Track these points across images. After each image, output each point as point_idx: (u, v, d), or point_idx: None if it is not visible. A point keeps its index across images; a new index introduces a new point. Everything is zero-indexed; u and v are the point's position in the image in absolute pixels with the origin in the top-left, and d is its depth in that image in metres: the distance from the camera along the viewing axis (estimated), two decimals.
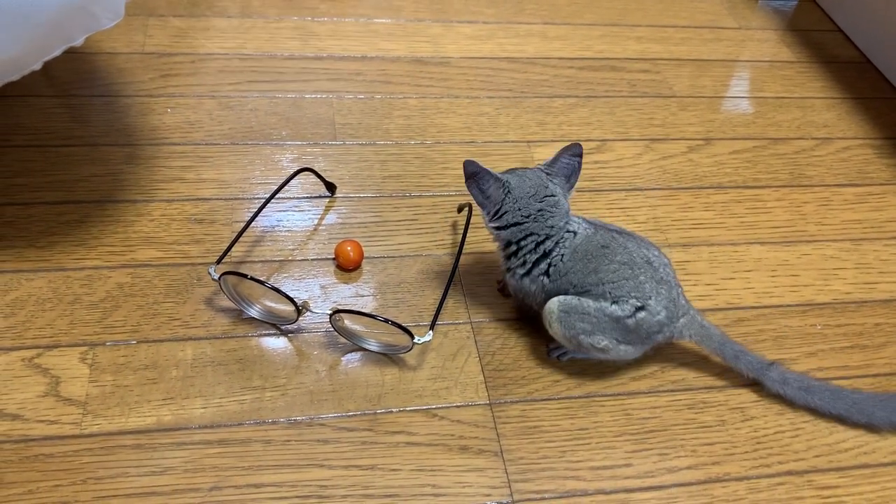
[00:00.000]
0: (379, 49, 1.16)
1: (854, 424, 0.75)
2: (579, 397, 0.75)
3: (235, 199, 0.90)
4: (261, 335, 0.77)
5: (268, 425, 0.70)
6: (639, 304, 0.70)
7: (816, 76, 1.24)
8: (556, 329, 0.72)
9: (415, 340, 0.72)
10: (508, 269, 0.76)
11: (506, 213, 0.73)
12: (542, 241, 0.73)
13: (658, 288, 0.71)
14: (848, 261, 0.93)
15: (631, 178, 1.00)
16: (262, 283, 0.73)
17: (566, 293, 0.72)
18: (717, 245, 0.92)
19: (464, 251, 0.84)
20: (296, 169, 0.88)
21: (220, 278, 0.74)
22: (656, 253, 0.74)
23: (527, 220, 0.73)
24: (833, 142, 1.11)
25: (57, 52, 0.76)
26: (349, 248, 0.83)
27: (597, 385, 0.76)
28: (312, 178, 0.91)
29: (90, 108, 0.99)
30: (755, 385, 0.77)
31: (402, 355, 0.76)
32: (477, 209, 0.77)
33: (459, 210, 0.91)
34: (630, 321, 0.71)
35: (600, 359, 0.75)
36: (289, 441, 0.69)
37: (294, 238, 0.87)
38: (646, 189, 0.99)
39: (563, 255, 0.73)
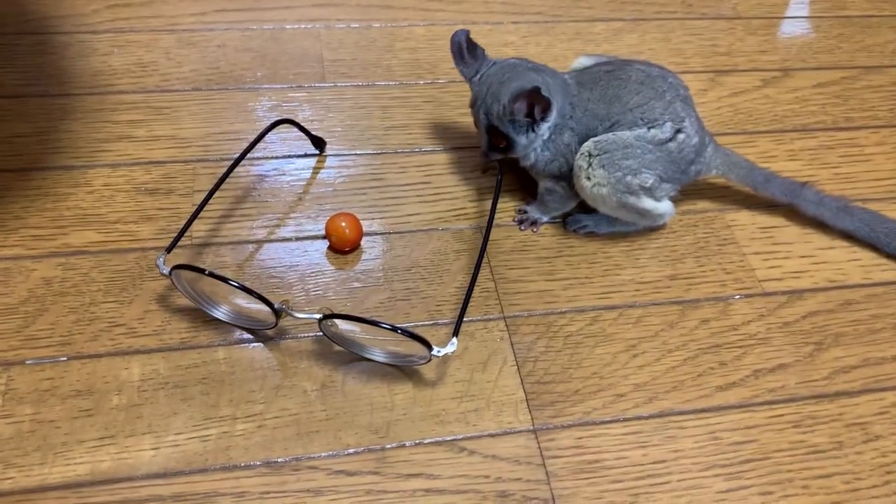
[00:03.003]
0: None
1: (889, 254, 0.68)
2: (652, 417, 0.57)
3: (198, 160, 0.71)
4: (230, 343, 0.58)
5: (240, 471, 0.52)
6: (676, 125, 0.64)
7: None
8: (598, 175, 0.63)
9: (433, 352, 0.54)
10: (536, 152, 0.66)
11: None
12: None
13: (687, 109, 0.65)
14: None
15: None
16: (225, 280, 0.54)
17: (595, 134, 0.64)
18: None
19: (494, 223, 0.65)
20: (272, 121, 0.68)
21: (171, 273, 0.56)
22: (672, 75, 0.67)
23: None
24: None
25: None
26: (344, 224, 0.64)
27: (673, 398, 0.58)
28: (295, 131, 0.72)
29: (14, 49, 0.79)
30: (873, 390, 0.59)
31: (416, 367, 0.58)
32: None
33: (485, 170, 0.72)
34: (672, 145, 0.64)
35: (627, 227, 0.68)
36: (267, 493, 0.51)
37: (273, 211, 0.68)
38: (716, 134, 0.78)
39: (572, 92, 0.65)
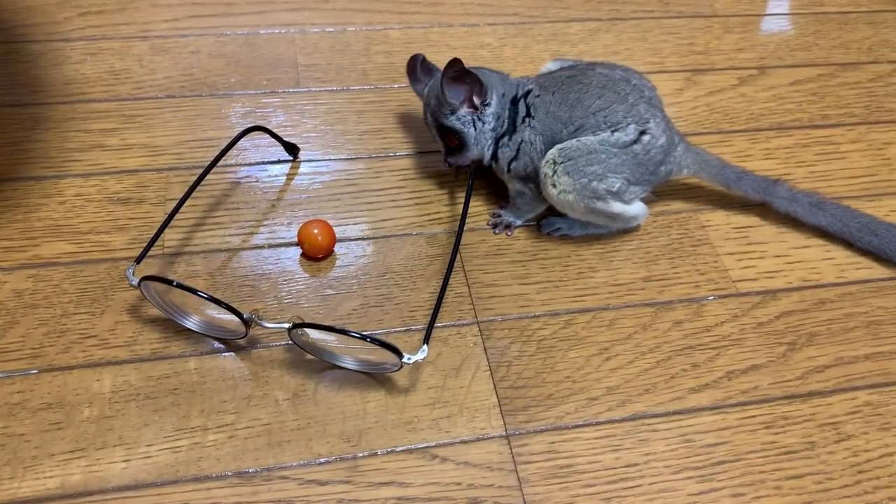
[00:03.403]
0: None
1: (862, 249, 0.69)
2: (624, 420, 0.57)
3: (171, 169, 0.70)
4: (202, 353, 0.58)
5: (211, 482, 0.52)
6: (640, 127, 0.64)
7: None
8: (563, 182, 0.63)
9: (404, 360, 0.54)
10: (497, 149, 0.67)
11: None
12: (509, 101, 0.66)
13: (652, 111, 0.65)
14: None
15: (672, 119, 0.80)
16: (193, 291, 0.54)
17: (560, 139, 0.64)
18: None
19: (466, 227, 0.65)
20: (244, 128, 0.68)
21: (140, 284, 0.55)
22: (637, 76, 0.67)
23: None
24: None
25: None
26: (316, 231, 0.64)
27: (646, 401, 0.58)
28: (269, 137, 0.71)
29: None
30: (846, 389, 0.60)
31: (389, 374, 0.58)
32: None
33: (457, 174, 0.72)
34: (637, 147, 0.63)
35: (600, 229, 0.68)
36: None
37: (246, 218, 0.67)
38: (691, 134, 0.79)
39: (534, 93, 0.65)
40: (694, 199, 0.73)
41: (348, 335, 0.53)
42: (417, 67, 0.69)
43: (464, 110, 0.64)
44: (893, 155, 0.79)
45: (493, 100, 0.65)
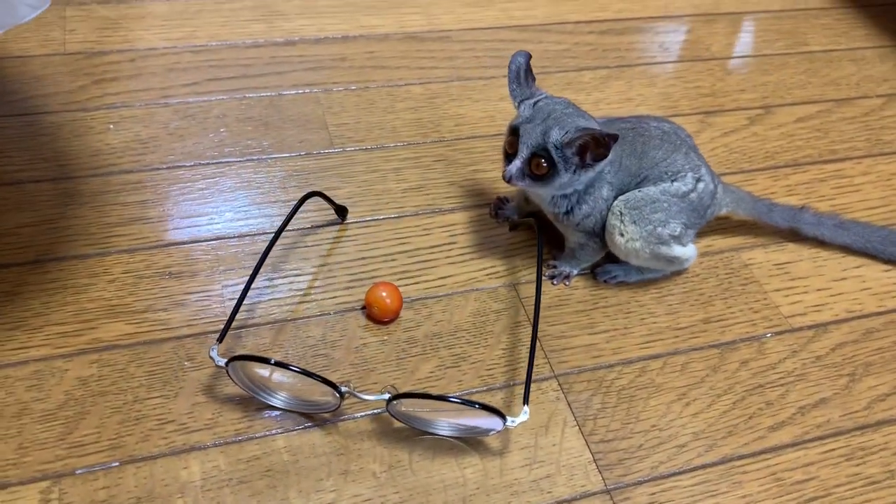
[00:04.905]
0: (361, 26, 0.95)
1: (886, 259, 0.74)
2: (716, 464, 0.58)
3: (218, 238, 0.69)
4: (287, 431, 0.56)
5: None
6: (695, 175, 0.67)
7: (856, 23, 1.08)
8: (630, 231, 0.65)
9: (508, 423, 0.53)
10: (574, 205, 0.66)
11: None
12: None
13: (700, 158, 0.69)
14: None
15: None
16: (288, 367, 0.53)
17: (627, 190, 0.66)
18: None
19: (522, 280, 0.66)
20: (302, 195, 0.67)
21: (227, 365, 0.54)
22: (677, 126, 0.70)
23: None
24: None
25: None
26: (384, 294, 0.63)
27: (731, 443, 0.59)
28: (314, 200, 0.70)
29: (4, 133, 0.75)
30: None
31: (482, 438, 0.58)
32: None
33: (513, 227, 0.72)
34: (693, 195, 0.66)
35: (655, 273, 0.70)
36: None
37: (304, 286, 0.66)
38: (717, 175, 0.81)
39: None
40: (731, 237, 0.75)
41: (450, 401, 0.53)
42: (521, 71, 0.65)
43: (573, 156, 0.61)
44: None
45: (603, 165, 0.63)
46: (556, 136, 0.60)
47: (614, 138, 0.59)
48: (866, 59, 1.02)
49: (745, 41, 1.02)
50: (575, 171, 0.61)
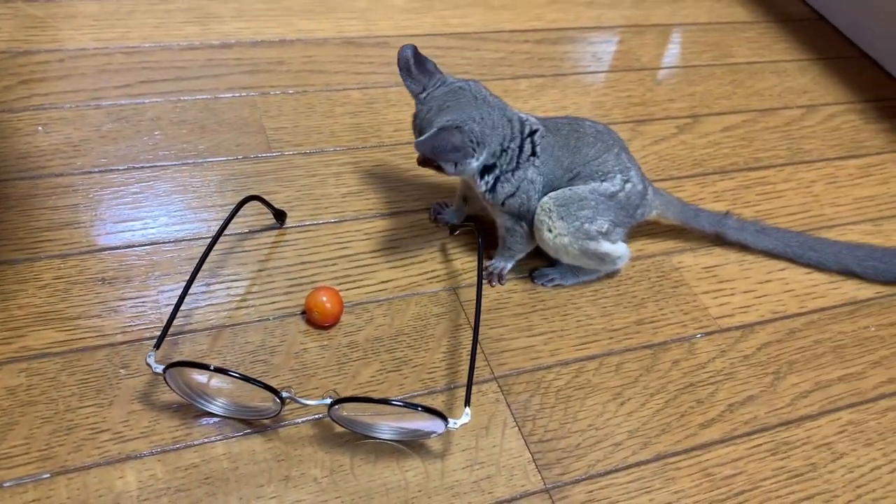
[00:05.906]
0: (299, 30, 0.94)
1: (804, 264, 0.78)
2: (650, 461, 0.60)
3: (153, 243, 0.67)
4: (226, 438, 0.56)
5: None
6: (624, 177, 0.69)
7: (778, 37, 1.13)
8: (559, 226, 0.67)
9: (450, 425, 0.54)
10: (496, 182, 0.66)
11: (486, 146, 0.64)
12: (514, 139, 0.66)
13: (631, 160, 0.70)
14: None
15: None
16: (228, 372, 0.52)
17: (558, 185, 0.68)
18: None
19: (463, 284, 0.66)
20: (240, 200, 0.66)
21: (165, 371, 0.53)
22: (604, 126, 0.71)
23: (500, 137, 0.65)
24: (818, 109, 1.00)
25: None
26: (325, 299, 0.63)
27: (664, 440, 0.61)
28: (252, 204, 0.70)
29: None
30: (830, 410, 0.65)
31: (423, 441, 0.58)
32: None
33: (453, 232, 0.73)
34: (622, 195, 0.68)
35: (590, 275, 0.72)
36: None
37: (242, 291, 0.65)
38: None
39: (540, 133, 0.67)
40: (662, 241, 0.78)
41: (392, 405, 0.53)
42: (410, 63, 0.64)
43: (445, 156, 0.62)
44: (819, 192, 0.88)
45: (474, 160, 0.63)
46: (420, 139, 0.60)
47: (458, 139, 0.60)
48: (787, 72, 1.06)
49: (673, 52, 1.05)
50: (455, 164, 0.63)
